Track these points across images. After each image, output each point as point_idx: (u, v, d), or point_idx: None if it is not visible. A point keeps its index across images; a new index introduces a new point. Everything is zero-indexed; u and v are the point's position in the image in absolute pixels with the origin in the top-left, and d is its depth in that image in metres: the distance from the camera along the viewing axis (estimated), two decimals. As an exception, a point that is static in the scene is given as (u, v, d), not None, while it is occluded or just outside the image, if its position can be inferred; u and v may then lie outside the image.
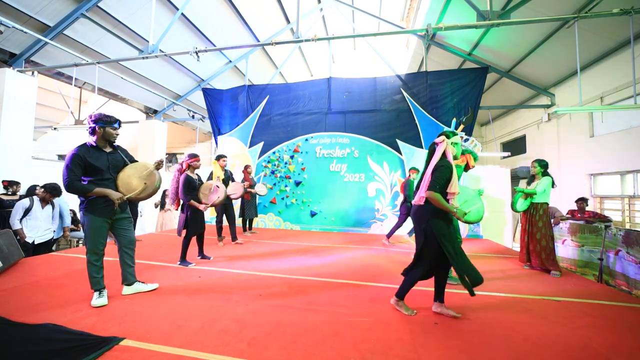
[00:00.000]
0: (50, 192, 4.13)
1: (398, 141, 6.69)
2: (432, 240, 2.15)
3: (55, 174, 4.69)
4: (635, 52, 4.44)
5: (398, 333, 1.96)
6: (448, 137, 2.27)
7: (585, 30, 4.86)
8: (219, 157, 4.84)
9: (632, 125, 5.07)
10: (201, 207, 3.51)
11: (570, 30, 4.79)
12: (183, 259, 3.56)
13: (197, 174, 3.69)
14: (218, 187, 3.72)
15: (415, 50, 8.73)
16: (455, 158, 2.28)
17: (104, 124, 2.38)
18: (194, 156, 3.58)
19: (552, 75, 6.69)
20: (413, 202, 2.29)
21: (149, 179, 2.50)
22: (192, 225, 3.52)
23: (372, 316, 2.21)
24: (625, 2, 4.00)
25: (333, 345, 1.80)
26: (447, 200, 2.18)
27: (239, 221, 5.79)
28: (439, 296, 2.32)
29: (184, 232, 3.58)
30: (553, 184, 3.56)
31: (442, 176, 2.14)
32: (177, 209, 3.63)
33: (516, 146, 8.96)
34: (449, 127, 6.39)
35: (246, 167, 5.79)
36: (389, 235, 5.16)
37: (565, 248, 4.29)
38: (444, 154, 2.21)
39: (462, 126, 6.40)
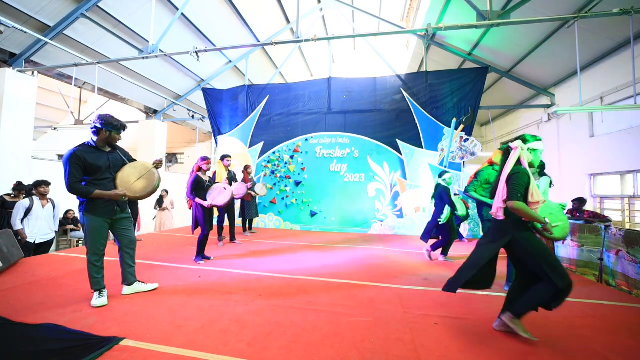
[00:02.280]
0: (42, 185, 4.12)
1: (398, 141, 6.69)
2: (524, 256, 1.92)
3: (55, 174, 4.69)
4: (635, 52, 4.44)
5: (398, 333, 1.96)
6: (525, 141, 2.01)
7: (585, 30, 4.85)
8: (223, 157, 4.86)
9: (632, 125, 5.07)
10: (205, 203, 3.66)
11: (570, 30, 4.79)
12: (199, 254, 3.72)
13: (209, 176, 3.93)
14: (225, 188, 3.86)
15: (415, 50, 8.72)
16: (531, 166, 2.01)
17: (112, 129, 2.41)
18: (204, 159, 3.83)
19: (552, 75, 6.68)
20: (491, 212, 2.04)
21: (148, 178, 2.51)
22: (207, 222, 3.70)
23: (372, 316, 2.21)
24: (625, 2, 3.99)
25: (333, 345, 1.80)
26: None
27: (238, 221, 5.80)
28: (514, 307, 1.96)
29: (197, 231, 3.81)
30: (551, 184, 3.57)
31: (520, 183, 1.88)
32: (190, 208, 3.85)
33: (516, 146, 8.95)
34: (449, 127, 6.39)
35: (246, 167, 5.79)
36: (440, 251, 4.22)
37: (565, 248, 4.29)
38: (518, 161, 1.97)
39: (462, 126, 6.42)
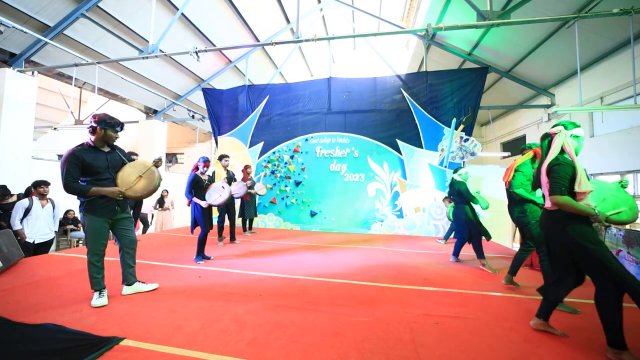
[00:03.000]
0: (42, 185, 4.11)
1: (398, 141, 6.69)
2: (576, 250, 1.77)
3: (55, 174, 4.68)
4: (635, 52, 4.44)
5: (398, 333, 1.96)
6: (566, 127, 1.87)
7: (585, 30, 4.86)
8: (221, 157, 4.85)
9: (632, 125, 5.07)
10: (203, 203, 3.65)
11: (570, 30, 4.79)
12: (199, 254, 3.71)
13: (208, 175, 3.93)
14: (223, 187, 3.84)
15: (415, 50, 8.73)
16: (576, 153, 1.85)
17: (107, 126, 2.39)
18: (205, 161, 3.86)
19: (552, 75, 6.68)
20: (545, 206, 1.92)
21: (148, 177, 2.50)
22: (206, 222, 3.69)
23: (372, 316, 2.21)
24: (625, 2, 4.00)
25: (333, 345, 1.80)
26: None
27: (238, 221, 5.79)
28: (545, 314, 1.94)
29: (197, 230, 3.79)
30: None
31: (562, 175, 1.76)
32: (188, 205, 3.82)
33: (516, 146, 8.95)
34: (449, 127, 6.40)
35: (246, 167, 5.79)
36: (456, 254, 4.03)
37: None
38: (562, 149, 1.84)
39: (462, 126, 6.42)
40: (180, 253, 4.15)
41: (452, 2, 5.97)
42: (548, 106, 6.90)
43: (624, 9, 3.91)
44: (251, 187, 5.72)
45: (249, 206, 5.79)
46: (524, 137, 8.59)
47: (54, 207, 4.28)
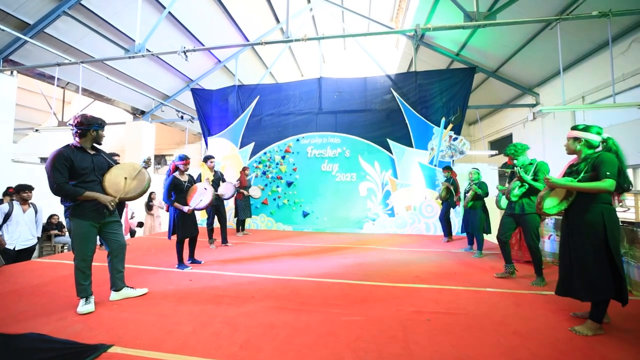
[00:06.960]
0: (25, 190, 3.96)
1: (389, 140, 6.75)
2: None
3: (37, 178, 4.52)
4: (614, 53, 4.61)
5: (391, 331, 1.97)
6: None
7: (567, 32, 5.01)
8: (206, 159, 4.78)
9: (611, 123, 5.26)
10: (184, 209, 3.37)
11: (553, 32, 4.94)
12: (180, 263, 3.51)
13: (188, 175, 3.57)
14: (206, 189, 3.54)
15: (404, 50, 8.82)
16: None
17: (99, 127, 2.37)
18: (183, 159, 3.44)
19: (536, 75, 6.87)
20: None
21: (138, 179, 2.45)
22: (181, 228, 3.41)
23: (365, 315, 2.22)
24: (604, 4, 4.14)
25: (327, 344, 1.80)
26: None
27: (230, 223, 5.75)
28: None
29: (174, 236, 3.48)
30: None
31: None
32: (167, 211, 3.56)
33: (503, 144, 9.16)
34: (438, 126, 6.50)
35: (244, 168, 5.88)
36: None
37: (552, 243, 4.41)
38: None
39: (451, 125, 6.52)
40: (170, 256, 4.06)
41: (440, 3, 6.07)
42: (533, 105, 7.09)
43: (602, 12, 4.05)
44: (246, 188, 5.69)
45: (244, 207, 5.76)
46: (510, 136, 8.81)
47: (36, 212, 4.13)
